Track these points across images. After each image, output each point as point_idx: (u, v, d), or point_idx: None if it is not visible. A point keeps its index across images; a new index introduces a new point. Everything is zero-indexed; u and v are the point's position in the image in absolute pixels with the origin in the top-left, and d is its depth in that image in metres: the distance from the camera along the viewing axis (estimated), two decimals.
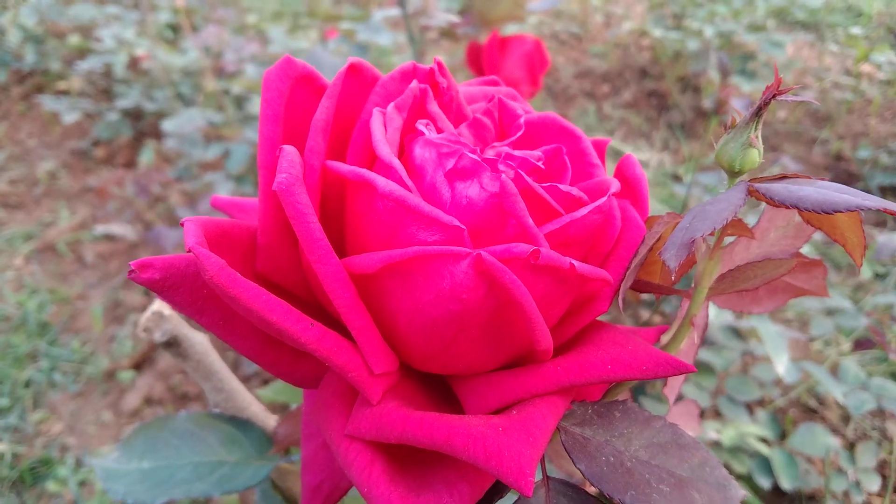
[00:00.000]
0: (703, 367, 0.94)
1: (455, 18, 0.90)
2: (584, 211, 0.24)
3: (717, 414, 1.14)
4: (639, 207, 0.29)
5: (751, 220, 0.35)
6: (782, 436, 1.03)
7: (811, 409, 1.31)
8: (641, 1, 2.31)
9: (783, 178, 0.25)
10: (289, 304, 0.22)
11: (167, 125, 1.42)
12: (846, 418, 1.30)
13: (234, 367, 1.37)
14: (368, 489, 0.23)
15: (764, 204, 0.26)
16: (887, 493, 1.11)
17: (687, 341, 0.33)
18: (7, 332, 1.51)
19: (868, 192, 1.48)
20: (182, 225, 0.22)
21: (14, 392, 1.40)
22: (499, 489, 0.26)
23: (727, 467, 0.97)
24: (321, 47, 1.26)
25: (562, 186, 0.25)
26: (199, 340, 0.40)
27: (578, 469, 0.25)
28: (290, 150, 0.22)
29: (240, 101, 1.67)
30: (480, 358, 0.25)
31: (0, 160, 1.98)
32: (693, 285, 0.28)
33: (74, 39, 1.85)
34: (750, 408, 1.11)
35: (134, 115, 1.99)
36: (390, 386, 0.25)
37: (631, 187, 0.29)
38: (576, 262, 0.23)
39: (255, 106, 1.57)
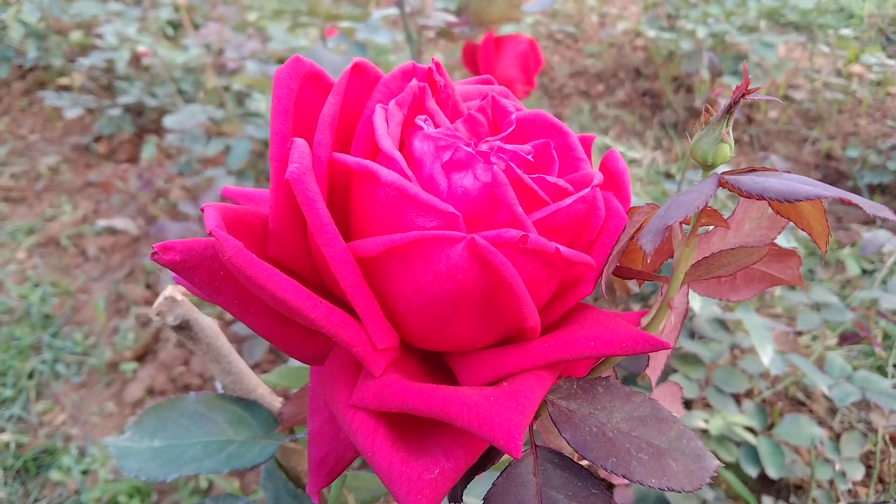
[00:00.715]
0: (692, 359, 0.97)
1: (452, 18, 0.92)
2: (569, 200, 0.27)
3: (706, 405, 1.17)
4: (621, 198, 0.31)
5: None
6: (770, 426, 1.06)
7: (799, 401, 1.34)
8: (636, 1, 2.33)
9: (752, 170, 0.27)
10: (300, 284, 0.24)
11: (169, 121, 1.44)
12: (833, 410, 1.33)
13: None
14: (372, 454, 0.25)
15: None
16: (871, 483, 1.14)
17: (668, 325, 0.36)
18: (10, 325, 1.53)
19: (857, 190, 1.52)
20: (202, 210, 0.24)
21: (18, 383, 1.42)
22: (491, 456, 0.28)
23: (715, 455, 1.00)
24: (321, 45, 1.28)
25: (549, 178, 0.27)
26: (209, 324, 0.42)
27: (564, 438, 0.28)
28: (300, 143, 0.25)
29: (240, 98, 1.69)
30: (474, 335, 0.28)
31: (2, 155, 2.00)
32: (671, 271, 0.30)
33: (76, 36, 1.87)
34: (738, 399, 1.14)
35: (135, 110, 2.01)
36: (391, 361, 0.27)
37: (614, 180, 0.31)
38: (561, 247, 0.25)
39: (256, 102, 1.59)
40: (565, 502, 0.27)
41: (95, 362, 1.43)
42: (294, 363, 0.57)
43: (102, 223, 1.71)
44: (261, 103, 1.57)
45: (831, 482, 1.12)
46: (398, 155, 0.25)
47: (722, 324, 0.93)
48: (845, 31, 1.98)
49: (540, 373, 0.27)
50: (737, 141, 2.03)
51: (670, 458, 0.28)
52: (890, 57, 2.47)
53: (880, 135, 2.06)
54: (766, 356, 0.80)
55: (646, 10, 2.18)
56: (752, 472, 0.98)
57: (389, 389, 0.25)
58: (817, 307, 1.19)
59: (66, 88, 2.16)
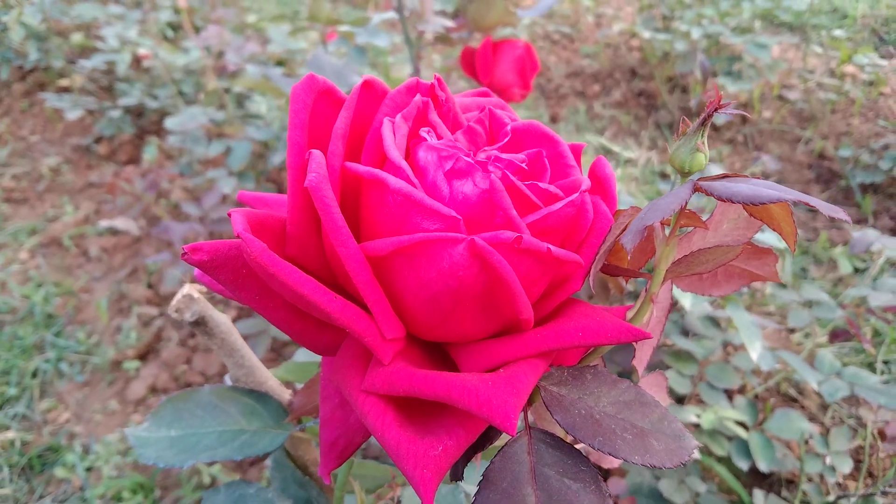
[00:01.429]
0: (685, 355, 1.00)
1: (450, 23, 0.95)
2: (559, 204, 0.29)
3: (699, 401, 1.20)
4: (608, 202, 0.34)
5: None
6: (761, 421, 1.08)
7: (791, 397, 1.36)
8: (631, 2, 2.36)
9: (725, 177, 0.30)
10: (317, 281, 0.27)
11: (170, 123, 1.46)
12: (824, 406, 1.36)
13: None
14: (382, 434, 0.28)
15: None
16: (860, 476, 1.17)
17: (652, 319, 0.38)
18: (14, 324, 1.55)
19: (850, 189, 1.54)
20: (230, 216, 0.27)
21: (21, 382, 1.44)
22: (489, 436, 0.31)
23: (707, 449, 1.03)
24: (322, 49, 1.31)
25: (541, 184, 0.30)
26: (224, 321, 0.44)
27: (556, 420, 0.30)
28: (317, 154, 0.27)
29: (240, 100, 1.71)
30: (474, 327, 0.30)
31: (3, 156, 2.02)
32: (654, 269, 0.33)
33: (77, 38, 1.89)
34: (730, 395, 1.16)
35: (135, 112, 2.03)
36: (399, 350, 0.30)
37: (602, 185, 0.34)
38: (552, 247, 0.28)
39: (256, 105, 1.62)
40: (556, 478, 0.30)
41: (98, 361, 1.46)
42: (299, 359, 0.60)
43: (104, 223, 1.73)
44: (261, 105, 1.59)
45: (821, 476, 1.15)
46: (405, 164, 0.28)
47: (713, 321, 0.95)
48: (838, 32, 2.01)
49: (533, 361, 0.30)
50: (731, 141, 2.06)
51: (653, 438, 0.31)
52: (882, 57, 2.50)
53: (872, 134, 2.09)
54: (755, 352, 0.82)
55: (641, 11, 2.21)
56: (744, 465, 1.00)
57: (397, 376, 0.28)
58: (808, 305, 1.22)
59: (67, 90, 2.18)
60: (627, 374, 0.99)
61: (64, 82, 1.99)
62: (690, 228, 0.36)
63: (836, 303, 1.18)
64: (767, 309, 1.49)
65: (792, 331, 1.46)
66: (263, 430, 0.46)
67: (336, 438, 0.34)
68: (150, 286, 1.60)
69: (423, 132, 0.30)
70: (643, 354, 0.39)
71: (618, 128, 2.13)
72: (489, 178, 0.28)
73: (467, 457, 0.31)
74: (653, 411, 0.32)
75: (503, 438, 0.33)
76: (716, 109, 0.28)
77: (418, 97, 0.31)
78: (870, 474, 1.24)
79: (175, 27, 2.21)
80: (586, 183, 0.31)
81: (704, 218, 0.37)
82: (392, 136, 0.29)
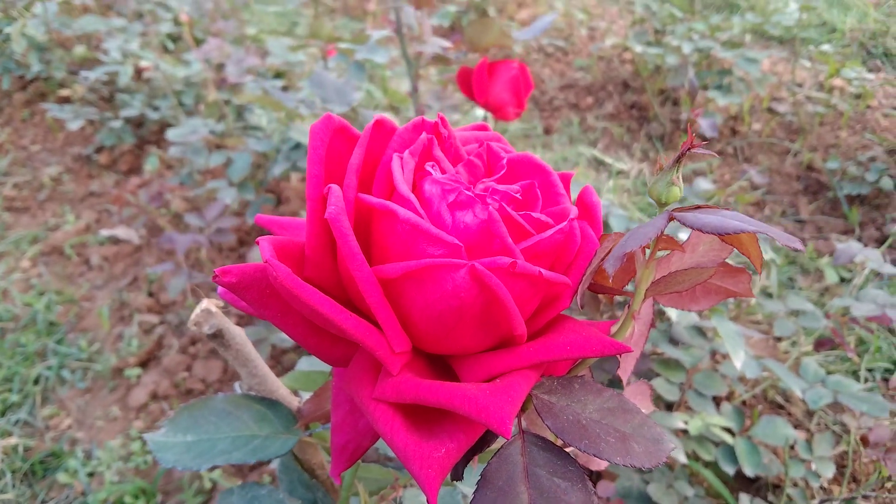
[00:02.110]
0: (673, 364, 1.03)
1: (447, 44, 0.99)
2: (550, 232, 0.33)
3: (688, 408, 1.23)
4: (594, 226, 0.37)
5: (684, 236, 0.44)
6: (747, 427, 1.12)
7: (778, 404, 1.40)
8: (625, 16, 2.41)
9: (697, 208, 0.33)
10: (334, 301, 0.30)
11: (172, 134, 1.50)
12: (810, 413, 1.39)
13: None
14: (391, 437, 0.31)
15: None
16: (844, 481, 1.20)
17: (635, 333, 0.42)
18: (16, 332, 1.57)
19: (837, 201, 1.58)
20: (258, 243, 0.30)
21: (24, 389, 1.47)
22: (487, 440, 0.34)
23: (694, 454, 1.06)
24: (322, 65, 1.34)
25: (534, 214, 0.33)
26: (239, 333, 0.48)
27: (546, 425, 0.34)
28: (336, 189, 0.31)
29: (240, 111, 1.75)
30: (473, 342, 0.34)
31: (4, 165, 2.04)
32: (635, 288, 0.36)
33: (80, 50, 1.92)
34: (718, 402, 1.20)
35: (136, 122, 2.06)
36: (406, 362, 0.33)
37: (589, 211, 0.37)
38: (543, 271, 0.32)
39: (255, 117, 1.65)
40: (547, 477, 0.33)
41: (100, 368, 1.48)
42: (303, 367, 0.63)
43: (105, 233, 1.76)
44: (262, 118, 1.62)
45: (806, 481, 1.18)
46: (412, 196, 0.31)
47: (699, 330, 0.99)
48: (825, 47, 2.05)
49: (527, 371, 0.33)
50: (721, 153, 2.10)
51: (633, 442, 0.34)
52: (870, 71, 2.56)
53: (860, 146, 2.13)
54: (739, 360, 0.86)
55: (633, 26, 2.26)
56: (730, 470, 1.04)
57: (404, 385, 0.31)
58: (794, 314, 1.26)
59: (67, 100, 2.21)
60: (617, 381, 1.02)
61: (65, 92, 2.02)
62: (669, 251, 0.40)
63: (822, 312, 1.22)
64: (755, 318, 1.53)
65: (779, 339, 1.50)
66: (274, 435, 0.49)
67: (346, 442, 0.38)
68: (150, 294, 1.63)
69: (429, 166, 0.34)
70: (627, 365, 0.42)
71: (610, 139, 2.17)
72: (487, 209, 0.31)
73: (467, 458, 0.34)
74: (634, 417, 0.35)
75: (499, 442, 0.36)
76: (689, 148, 0.32)
77: (424, 135, 0.34)
78: (854, 479, 1.27)
79: (175, 38, 2.25)
80: (574, 211, 0.35)
81: (685, 239, 0.41)
82: (401, 171, 0.33)
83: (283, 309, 0.33)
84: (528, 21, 2.73)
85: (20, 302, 1.63)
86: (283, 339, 1.28)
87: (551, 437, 0.41)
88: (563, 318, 0.37)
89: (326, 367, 0.64)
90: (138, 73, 1.91)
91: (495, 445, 0.37)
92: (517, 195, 0.34)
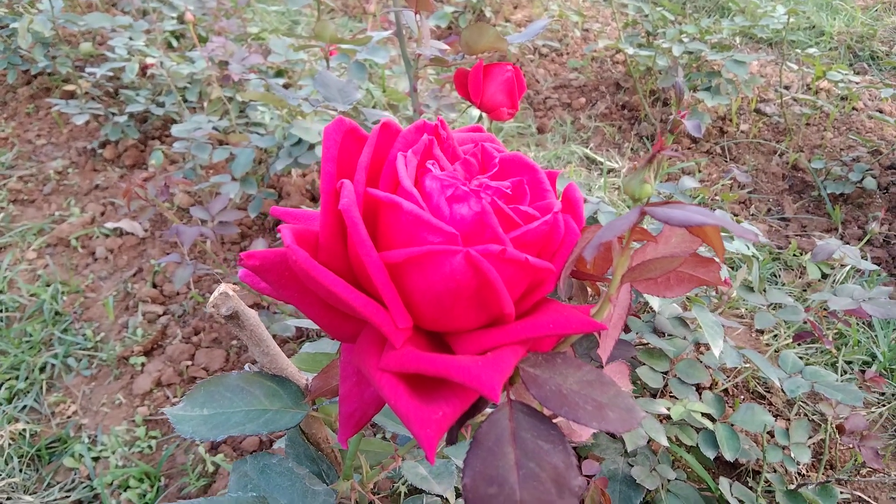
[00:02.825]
0: (657, 353, 1.08)
1: (445, 47, 1.03)
2: (536, 223, 0.38)
3: (672, 396, 1.28)
4: (577, 219, 0.42)
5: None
6: (728, 415, 1.17)
7: (760, 394, 1.45)
8: (618, 18, 2.45)
9: (666, 203, 0.38)
10: (345, 282, 0.35)
11: (176, 130, 1.54)
12: (790, 403, 1.45)
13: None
14: (395, 402, 0.36)
15: None
16: (821, 467, 1.26)
17: (613, 317, 0.47)
18: (22, 321, 1.61)
19: (821, 200, 1.64)
20: (279, 231, 0.35)
21: (30, 376, 1.51)
22: (479, 406, 0.39)
23: (677, 440, 1.11)
24: (324, 66, 1.39)
25: (522, 207, 0.38)
26: (252, 315, 0.52)
27: (531, 394, 0.38)
28: (348, 184, 0.35)
29: (242, 108, 1.79)
30: (467, 320, 0.38)
31: (9, 159, 2.08)
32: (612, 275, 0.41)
33: (86, 47, 1.95)
34: (700, 390, 1.25)
35: (140, 117, 2.10)
36: (408, 337, 0.38)
37: (572, 205, 0.42)
38: (530, 257, 0.36)
39: (258, 113, 1.69)
40: (531, 439, 0.37)
41: (105, 357, 1.52)
42: (311, 350, 0.68)
43: (110, 225, 1.80)
44: (265, 115, 1.66)
45: (785, 469, 1.23)
46: (415, 190, 0.36)
47: (682, 321, 1.04)
48: (811, 50, 2.10)
49: (515, 346, 0.38)
50: (709, 152, 2.15)
51: (609, 410, 0.39)
52: (857, 73, 2.61)
53: (845, 147, 2.19)
54: (718, 349, 0.91)
55: (625, 28, 2.30)
56: (710, 454, 1.08)
57: (407, 357, 0.36)
58: (775, 308, 1.31)
59: (72, 94, 2.24)
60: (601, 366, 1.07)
61: (69, 87, 2.05)
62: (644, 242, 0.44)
63: (802, 306, 1.27)
64: (739, 312, 1.58)
65: (762, 332, 1.56)
66: (284, 409, 0.54)
67: (353, 410, 0.42)
68: (154, 286, 1.67)
69: (429, 164, 0.38)
70: (605, 346, 0.47)
71: (602, 139, 2.22)
72: (481, 202, 0.36)
73: (460, 423, 0.39)
74: (610, 389, 0.40)
75: (490, 410, 0.41)
76: (658, 151, 0.36)
77: (425, 136, 0.39)
78: (830, 466, 1.33)
79: (178, 36, 2.28)
80: (558, 205, 0.39)
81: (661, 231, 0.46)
82: (405, 168, 0.37)
83: (299, 289, 0.37)
84: (524, 22, 2.78)
85: (26, 292, 1.67)
86: (284, 328, 1.33)
87: (537, 407, 0.46)
88: (547, 301, 0.41)
89: (329, 350, 0.69)
90: (143, 69, 1.95)
91: (484, 417, 0.41)
92: (508, 190, 0.39)
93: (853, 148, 2.17)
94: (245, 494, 0.48)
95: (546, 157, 2.09)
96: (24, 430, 1.40)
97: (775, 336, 1.55)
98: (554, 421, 0.47)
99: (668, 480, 1.07)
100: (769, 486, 1.21)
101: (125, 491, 1.28)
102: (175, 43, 2.31)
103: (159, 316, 1.60)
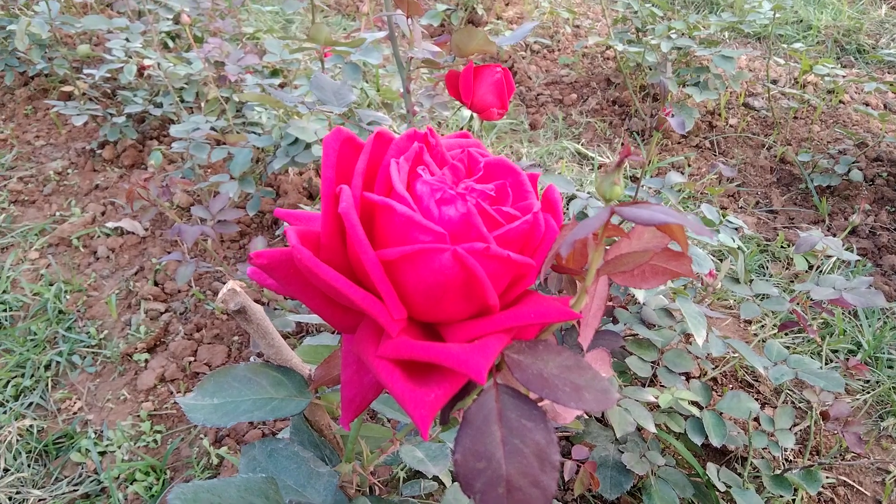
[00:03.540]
0: (646, 343, 1.12)
1: (437, 49, 1.07)
2: (517, 222, 0.41)
3: (662, 386, 1.32)
4: (556, 219, 0.46)
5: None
6: (715, 402, 1.21)
7: (748, 383, 1.50)
8: (609, 14, 2.49)
9: (634, 203, 0.41)
10: (346, 278, 0.39)
11: (175, 130, 1.57)
12: (777, 392, 1.49)
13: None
14: (391, 386, 0.39)
15: None
16: (806, 453, 1.30)
17: (592, 307, 0.50)
18: (27, 320, 1.64)
19: (808, 192, 1.68)
20: (286, 233, 0.39)
21: (35, 374, 1.54)
22: (468, 389, 0.43)
23: (665, 426, 1.16)
24: (318, 66, 1.42)
25: (504, 208, 0.42)
26: (259, 309, 0.56)
27: (515, 378, 0.42)
28: (347, 189, 0.39)
29: (239, 108, 1.82)
30: (456, 311, 0.42)
31: (9, 160, 2.11)
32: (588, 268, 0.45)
33: (84, 49, 1.98)
34: (689, 379, 1.29)
35: (138, 118, 2.13)
36: (403, 328, 0.41)
37: (552, 205, 0.46)
38: (512, 254, 0.40)
39: (255, 113, 1.72)
40: (515, 419, 0.41)
41: (109, 354, 1.56)
42: (312, 342, 0.71)
43: (111, 224, 1.83)
44: (261, 115, 1.70)
45: (773, 456, 1.28)
46: (407, 194, 0.40)
47: (667, 312, 1.08)
48: (797, 45, 2.14)
49: (500, 335, 0.41)
50: (698, 146, 2.19)
51: (585, 391, 0.43)
52: (844, 66, 2.65)
53: (831, 140, 2.23)
54: (701, 338, 0.95)
55: (615, 24, 2.34)
56: (698, 440, 1.13)
57: (402, 345, 0.40)
58: (761, 298, 1.35)
59: (69, 95, 2.27)
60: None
61: (66, 88, 2.08)
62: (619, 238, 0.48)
63: (787, 297, 1.31)
64: (727, 303, 1.62)
65: (749, 323, 1.60)
66: (289, 397, 0.58)
67: (354, 395, 0.46)
68: (156, 284, 1.70)
69: (420, 170, 0.42)
70: (585, 335, 0.51)
71: (593, 134, 2.25)
72: (467, 204, 0.40)
73: (451, 404, 0.43)
74: (587, 373, 0.44)
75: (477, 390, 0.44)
76: (625, 156, 0.40)
77: (416, 144, 0.43)
78: (816, 451, 1.37)
79: (174, 36, 2.31)
80: (538, 206, 0.43)
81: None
82: (398, 174, 0.41)
83: (303, 285, 0.41)
84: (515, 18, 2.81)
85: (29, 291, 1.71)
86: (284, 324, 1.37)
87: (522, 391, 0.50)
88: (530, 293, 0.45)
89: (329, 342, 0.72)
90: (140, 70, 1.98)
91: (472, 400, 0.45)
92: (492, 192, 0.43)
93: (840, 141, 2.21)
94: (255, 475, 0.51)
95: (538, 153, 2.13)
96: (31, 426, 1.44)
97: (762, 326, 1.59)
98: (539, 405, 0.51)
99: (658, 466, 1.11)
100: (756, 471, 1.26)
101: (132, 484, 1.32)
102: (171, 43, 2.34)
103: (161, 313, 1.64)
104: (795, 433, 1.41)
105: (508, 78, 1.02)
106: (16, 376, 1.53)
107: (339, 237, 0.42)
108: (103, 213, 1.92)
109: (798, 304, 1.34)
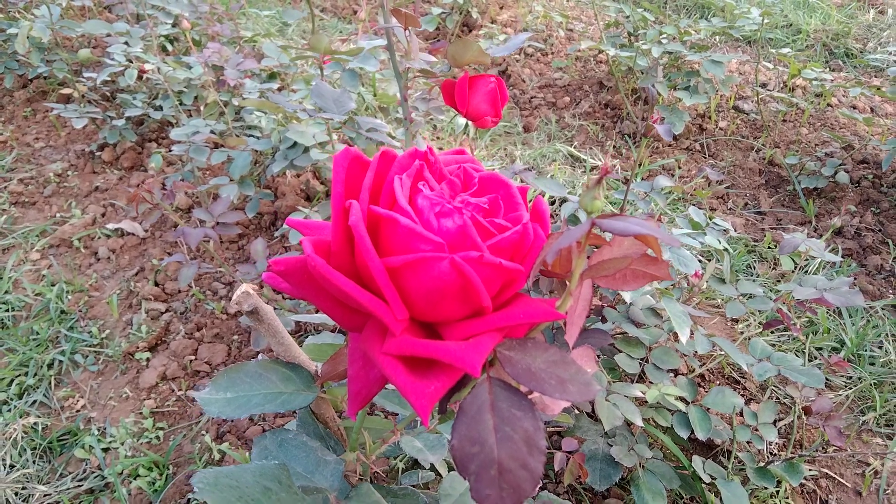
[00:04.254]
0: (634, 341, 1.17)
1: (433, 59, 1.11)
2: (508, 232, 0.46)
3: (650, 382, 1.37)
4: (544, 228, 0.50)
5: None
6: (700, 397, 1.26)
7: (735, 379, 1.55)
8: (601, 18, 2.54)
9: (613, 215, 0.46)
10: (354, 283, 0.43)
11: (175, 133, 1.61)
12: (763, 388, 1.54)
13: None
14: (395, 379, 0.44)
15: None
16: (790, 446, 1.35)
17: (578, 309, 0.55)
18: (29, 320, 1.68)
19: (795, 194, 1.73)
20: (301, 243, 0.43)
21: (38, 373, 1.57)
22: (464, 382, 0.47)
23: (653, 421, 1.20)
24: (318, 72, 1.46)
25: (497, 219, 0.46)
26: (269, 310, 0.60)
27: (506, 372, 0.47)
28: (356, 204, 0.43)
29: (238, 111, 1.86)
30: (453, 312, 0.47)
31: (9, 161, 2.14)
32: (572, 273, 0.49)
33: (84, 53, 2.02)
34: (676, 375, 1.34)
35: (137, 121, 2.16)
36: (405, 327, 0.46)
37: (540, 216, 0.50)
38: (503, 261, 0.44)
39: (253, 117, 1.76)
40: (506, 408, 0.46)
41: (111, 353, 1.59)
42: (316, 341, 0.76)
43: (111, 226, 1.87)
44: (260, 119, 1.74)
45: (758, 450, 1.33)
46: (409, 208, 0.44)
47: (654, 311, 1.13)
48: (785, 50, 2.19)
49: (493, 333, 0.46)
50: (688, 149, 2.24)
51: (569, 384, 0.47)
52: (832, 70, 2.71)
53: (819, 142, 2.28)
54: (684, 336, 1.00)
55: (607, 28, 2.39)
56: (684, 434, 1.17)
57: (404, 342, 0.44)
58: (747, 297, 1.40)
59: (68, 98, 2.30)
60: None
61: (66, 90, 2.11)
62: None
63: (771, 296, 1.36)
64: (715, 303, 1.67)
65: (736, 321, 1.65)
66: (297, 391, 0.62)
67: (360, 389, 0.50)
68: (157, 284, 1.74)
69: (420, 185, 0.47)
70: (571, 333, 0.55)
71: (586, 137, 2.30)
72: (463, 217, 0.44)
73: (449, 396, 0.47)
74: (571, 368, 0.48)
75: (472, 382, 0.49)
76: (606, 174, 0.44)
77: (417, 161, 0.47)
78: (799, 445, 1.42)
79: (172, 40, 2.34)
80: (527, 216, 0.48)
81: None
82: (401, 189, 0.45)
83: (316, 289, 0.45)
84: (509, 22, 2.85)
85: (31, 292, 1.74)
86: (285, 323, 1.41)
87: (513, 384, 0.54)
88: (520, 296, 0.49)
89: (330, 341, 0.77)
90: (140, 74, 2.02)
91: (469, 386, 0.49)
92: (485, 205, 0.47)
93: (827, 143, 2.26)
94: (269, 462, 0.56)
95: (532, 156, 2.18)
96: (36, 423, 1.47)
97: (749, 325, 1.64)
98: (529, 397, 0.55)
99: (646, 459, 1.16)
100: (741, 464, 1.30)
101: (135, 479, 1.35)
102: (170, 47, 2.37)
103: (162, 313, 1.68)
104: (780, 428, 1.46)
105: (502, 87, 1.06)
106: (19, 375, 1.56)
107: (347, 246, 0.46)
108: (103, 215, 1.96)
109: (783, 303, 1.39)
